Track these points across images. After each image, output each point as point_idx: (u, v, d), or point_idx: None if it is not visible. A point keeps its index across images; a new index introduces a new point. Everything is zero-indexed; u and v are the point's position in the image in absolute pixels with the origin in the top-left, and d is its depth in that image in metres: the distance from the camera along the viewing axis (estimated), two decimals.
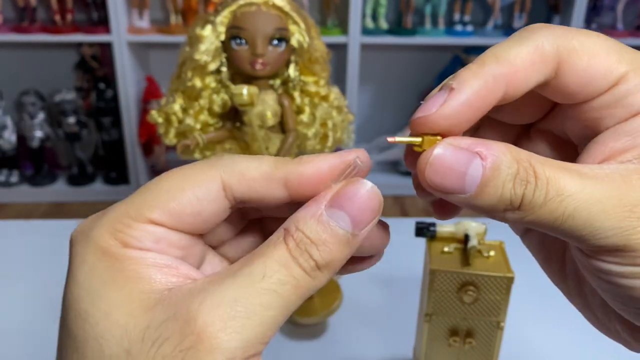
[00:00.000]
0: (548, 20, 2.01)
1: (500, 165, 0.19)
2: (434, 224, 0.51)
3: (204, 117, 0.60)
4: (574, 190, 0.19)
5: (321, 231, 0.20)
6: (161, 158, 2.03)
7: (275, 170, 0.21)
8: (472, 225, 0.49)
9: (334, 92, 0.62)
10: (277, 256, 0.19)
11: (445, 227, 0.51)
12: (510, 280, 0.46)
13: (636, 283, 0.20)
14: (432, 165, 0.20)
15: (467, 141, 0.20)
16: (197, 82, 0.58)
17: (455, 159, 0.20)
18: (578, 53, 0.21)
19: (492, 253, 0.48)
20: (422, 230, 0.51)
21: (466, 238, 0.49)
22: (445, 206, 0.24)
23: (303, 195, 0.21)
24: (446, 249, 0.49)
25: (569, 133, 0.23)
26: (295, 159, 0.22)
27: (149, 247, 0.20)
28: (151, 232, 0.20)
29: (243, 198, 0.22)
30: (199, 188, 0.21)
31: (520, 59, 0.21)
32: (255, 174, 0.21)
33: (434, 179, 0.20)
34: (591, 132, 0.22)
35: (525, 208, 0.20)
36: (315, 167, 0.21)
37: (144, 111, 1.95)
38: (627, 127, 0.21)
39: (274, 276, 0.19)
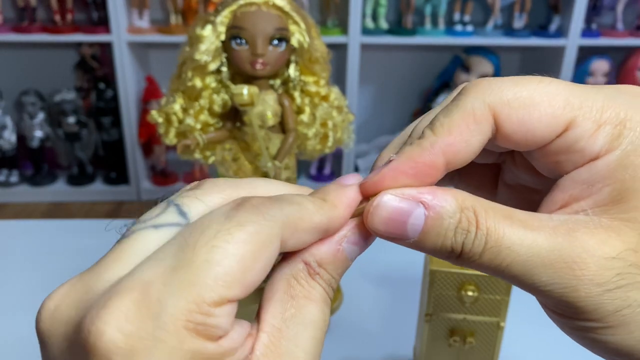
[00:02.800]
0: (548, 20, 2.01)
1: (442, 214, 0.20)
2: None
3: (204, 117, 0.60)
4: (512, 242, 0.19)
5: (341, 267, 0.21)
6: (161, 158, 2.03)
7: (321, 218, 0.21)
8: None
9: (334, 92, 0.62)
10: (321, 298, 0.20)
11: None
12: None
13: (587, 335, 0.20)
14: (373, 215, 0.21)
15: (413, 191, 0.20)
16: (197, 82, 0.58)
17: (397, 209, 0.20)
18: (511, 105, 0.20)
19: None
20: None
21: None
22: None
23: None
24: None
25: (539, 170, 0.23)
26: (320, 196, 0.21)
27: (228, 331, 0.17)
28: (229, 312, 0.17)
29: (287, 249, 0.20)
30: (269, 252, 0.18)
31: (456, 128, 0.21)
32: (307, 226, 0.20)
33: (378, 227, 0.21)
34: (553, 174, 0.22)
35: (465, 256, 0.20)
36: (344, 210, 0.21)
37: (144, 111, 1.95)
38: (585, 175, 0.20)
39: (326, 319, 0.20)
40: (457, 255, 0.20)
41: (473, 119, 0.21)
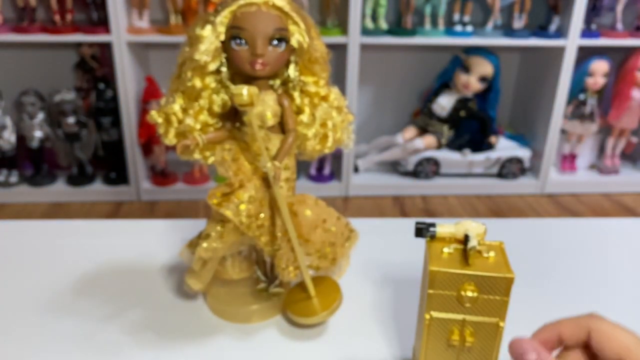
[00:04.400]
0: (548, 20, 2.02)
1: None
2: (433, 224, 0.51)
3: (204, 117, 0.60)
4: None
5: None
6: (161, 158, 2.03)
7: None
8: (472, 226, 0.49)
9: (334, 93, 0.62)
10: None
11: (445, 227, 0.50)
12: (510, 281, 0.46)
13: None
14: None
15: (532, 344, 0.39)
16: (197, 82, 0.58)
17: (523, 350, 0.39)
18: (600, 333, 0.39)
19: (492, 254, 0.48)
20: (422, 231, 0.51)
21: (466, 238, 0.49)
22: None
23: None
24: (446, 250, 0.49)
25: None
26: None
27: None
28: None
29: None
30: None
31: (565, 324, 0.41)
32: None
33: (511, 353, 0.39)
34: None
35: None
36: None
37: (143, 111, 1.95)
38: None
39: None
40: None
41: (577, 325, 0.41)
